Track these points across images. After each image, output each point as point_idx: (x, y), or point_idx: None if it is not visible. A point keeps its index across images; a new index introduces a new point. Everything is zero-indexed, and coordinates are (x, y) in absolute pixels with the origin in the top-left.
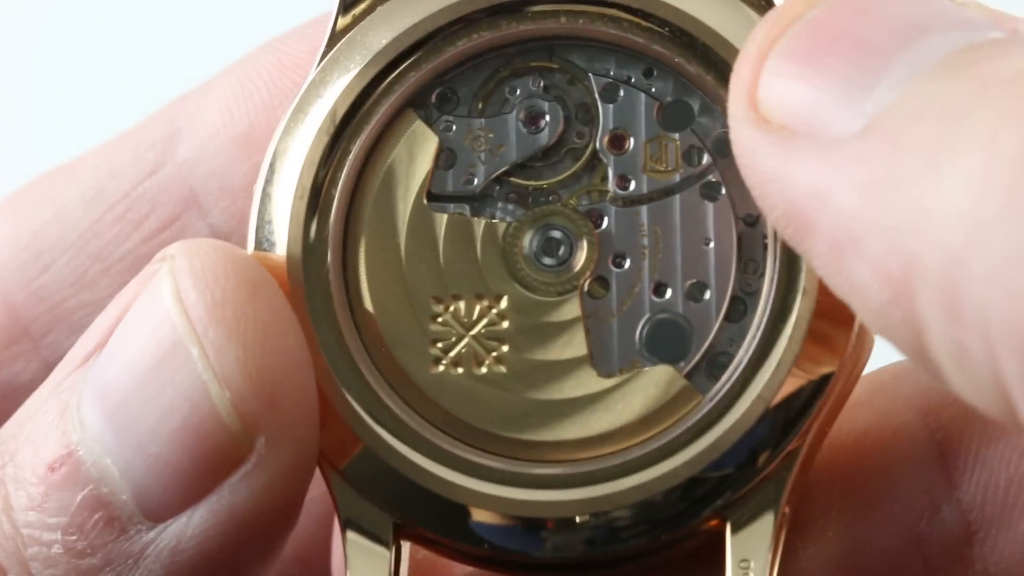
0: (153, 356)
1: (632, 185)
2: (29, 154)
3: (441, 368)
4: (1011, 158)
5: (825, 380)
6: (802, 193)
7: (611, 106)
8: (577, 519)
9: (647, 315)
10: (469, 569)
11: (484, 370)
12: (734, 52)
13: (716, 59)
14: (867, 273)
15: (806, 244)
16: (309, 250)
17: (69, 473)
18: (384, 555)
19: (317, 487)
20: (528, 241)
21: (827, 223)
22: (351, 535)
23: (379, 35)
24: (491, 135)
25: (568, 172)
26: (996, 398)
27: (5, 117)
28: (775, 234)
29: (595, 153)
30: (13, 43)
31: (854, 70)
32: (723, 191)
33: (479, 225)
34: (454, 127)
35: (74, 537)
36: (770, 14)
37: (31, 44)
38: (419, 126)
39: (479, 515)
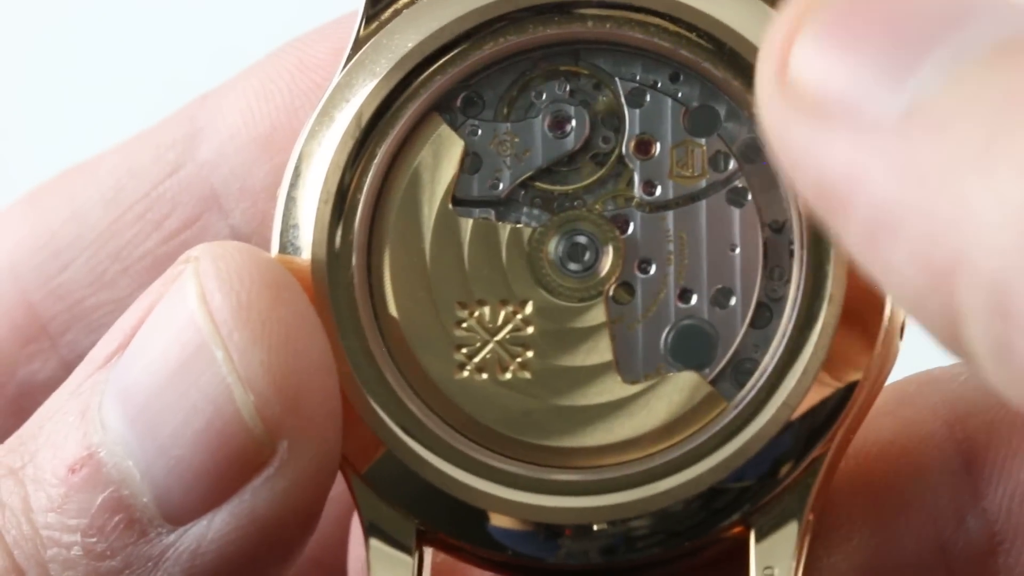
0: (177, 358)
1: (658, 190)
2: (48, 153)
3: (465, 373)
4: None
5: (850, 387)
6: (837, 173)
7: (637, 111)
8: (600, 526)
9: (672, 321)
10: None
11: (508, 376)
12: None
13: (743, 64)
14: (905, 259)
15: (838, 224)
16: (334, 254)
17: (90, 475)
18: (407, 562)
19: (335, 488)
20: (553, 246)
21: (863, 205)
22: (374, 543)
23: (405, 39)
24: (517, 139)
25: (594, 177)
26: None
27: (24, 115)
28: (802, 241)
29: (621, 158)
30: (33, 41)
31: (896, 49)
32: (749, 197)
33: (504, 230)
34: (480, 131)
35: (94, 539)
36: None
37: (51, 42)
38: (445, 130)
39: (502, 521)
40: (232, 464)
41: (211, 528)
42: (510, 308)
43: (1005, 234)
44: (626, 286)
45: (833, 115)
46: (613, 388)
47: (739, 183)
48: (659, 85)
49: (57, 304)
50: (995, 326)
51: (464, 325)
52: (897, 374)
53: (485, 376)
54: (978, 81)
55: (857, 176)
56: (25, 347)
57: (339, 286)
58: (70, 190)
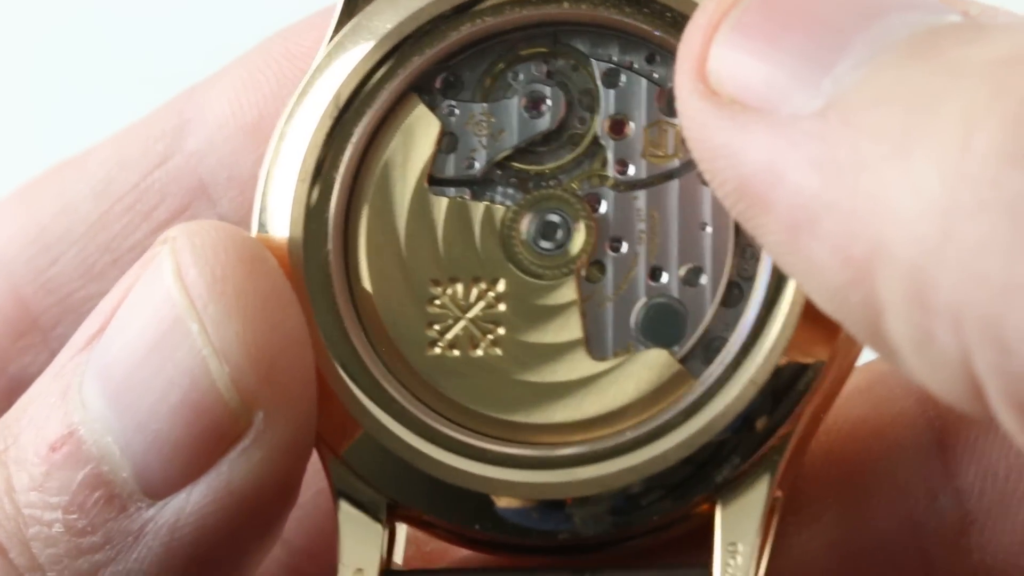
0: (154, 334)
1: (631, 170)
2: (38, 148)
3: (438, 350)
4: (989, 149)
5: (819, 364)
6: (756, 170)
7: (612, 91)
8: (567, 501)
9: (643, 299)
10: (465, 553)
11: (480, 352)
12: None
13: None
14: (825, 253)
15: (758, 221)
16: (310, 232)
17: (70, 452)
18: (377, 529)
19: (324, 480)
20: (526, 225)
21: (783, 201)
22: (344, 505)
23: (384, 20)
24: (493, 120)
25: (569, 157)
26: (961, 386)
27: (13, 110)
28: None
29: (596, 138)
30: (21, 35)
31: (811, 47)
32: None
33: (478, 209)
34: (457, 112)
35: (75, 516)
36: None
37: (39, 37)
38: (422, 110)
39: (470, 496)
40: (209, 436)
41: (190, 501)
42: (482, 285)
43: (922, 223)
44: (598, 264)
45: (751, 111)
46: (582, 365)
47: None
48: (635, 66)
49: (48, 298)
50: (914, 316)
51: (437, 302)
52: (870, 353)
53: (457, 353)
54: (891, 75)
55: (776, 172)
56: (16, 341)
57: (314, 263)
58: (60, 184)
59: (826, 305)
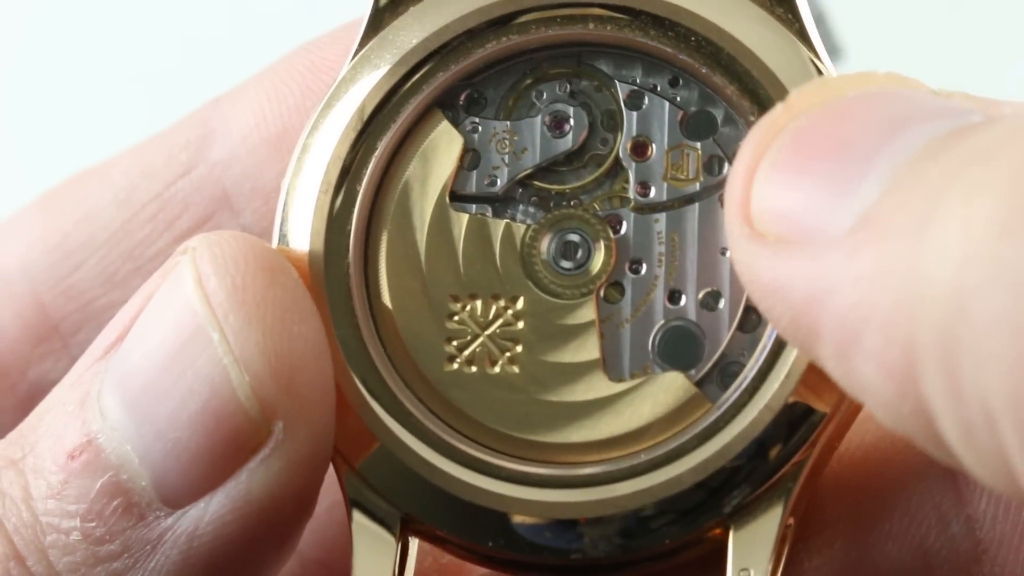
0: (174, 342)
1: (652, 192)
2: (61, 155)
3: (455, 366)
4: (986, 225)
5: (833, 392)
6: (802, 299)
7: (635, 113)
8: (580, 521)
9: (661, 322)
10: (481, 570)
11: (497, 370)
12: (757, 63)
13: (739, 70)
14: (871, 370)
15: (815, 350)
16: (331, 244)
17: (89, 461)
18: (390, 542)
19: (338, 492)
20: (547, 244)
21: (828, 325)
22: (358, 518)
23: (410, 35)
24: (515, 138)
25: (591, 177)
26: (1004, 474)
27: (38, 118)
28: None
29: (618, 159)
30: (47, 45)
31: (838, 172)
32: None
33: (499, 226)
34: (480, 128)
35: (93, 524)
36: (755, 128)
37: (65, 46)
38: (445, 126)
39: (484, 512)
40: (228, 445)
41: (208, 510)
42: (501, 303)
43: (940, 310)
44: (617, 286)
45: (794, 245)
46: (599, 386)
47: None
48: (658, 89)
49: (69, 304)
50: (955, 411)
51: (456, 318)
52: None
53: (474, 369)
54: (909, 179)
55: (819, 298)
56: (37, 347)
57: (335, 276)
58: (83, 192)
59: (889, 423)
